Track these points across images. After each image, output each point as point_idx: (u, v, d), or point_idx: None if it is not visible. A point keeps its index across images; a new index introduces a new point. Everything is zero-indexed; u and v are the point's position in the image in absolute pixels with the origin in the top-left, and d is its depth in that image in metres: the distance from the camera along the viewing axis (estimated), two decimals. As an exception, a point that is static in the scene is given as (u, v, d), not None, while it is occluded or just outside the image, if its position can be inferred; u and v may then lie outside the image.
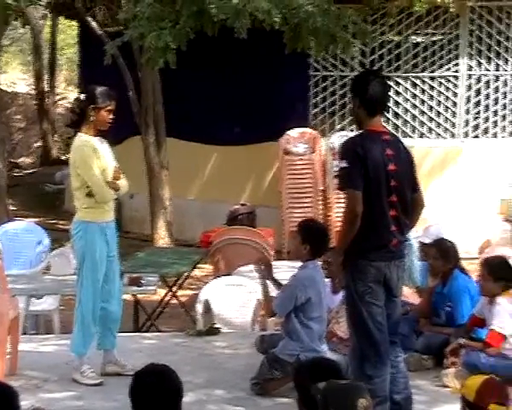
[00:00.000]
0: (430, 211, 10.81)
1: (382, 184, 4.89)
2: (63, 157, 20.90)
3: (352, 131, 12.84)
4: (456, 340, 6.01)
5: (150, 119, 12.01)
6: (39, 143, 21.24)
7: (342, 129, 12.90)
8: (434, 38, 12.67)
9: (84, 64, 16.64)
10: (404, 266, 5.16)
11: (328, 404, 3.23)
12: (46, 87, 21.00)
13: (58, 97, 22.81)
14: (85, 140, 5.97)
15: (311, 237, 5.77)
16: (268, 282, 5.98)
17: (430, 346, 6.23)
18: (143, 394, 3.39)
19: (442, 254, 6.36)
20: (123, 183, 6.10)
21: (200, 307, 7.32)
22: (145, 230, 13.30)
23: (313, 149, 12.61)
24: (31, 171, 19.80)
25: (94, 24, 12.45)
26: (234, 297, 7.41)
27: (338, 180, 4.99)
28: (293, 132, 12.61)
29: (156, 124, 12.09)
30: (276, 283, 6.00)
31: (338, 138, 12.64)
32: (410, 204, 5.03)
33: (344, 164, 4.86)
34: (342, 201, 12.25)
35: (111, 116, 6.03)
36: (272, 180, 12.97)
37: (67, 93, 24.63)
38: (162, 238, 11.99)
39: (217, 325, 7.17)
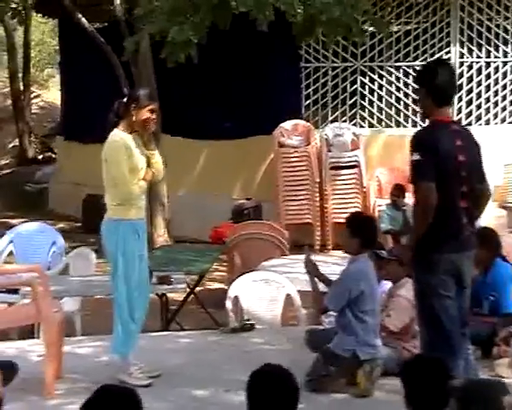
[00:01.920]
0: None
1: (453, 176, 4.86)
2: (40, 157, 20.65)
3: (344, 121, 12.87)
4: (503, 329, 5.98)
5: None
6: (14, 143, 20.90)
7: (335, 120, 12.86)
8: (425, 26, 12.68)
9: (65, 62, 16.39)
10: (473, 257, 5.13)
11: (471, 402, 3.15)
12: (21, 86, 20.66)
13: (32, 95, 22.45)
14: (119, 136, 5.87)
15: (360, 230, 5.72)
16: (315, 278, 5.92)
17: (476, 336, 6.17)
18: (262, 394, 3.32)
19: (484, 242, 6.31)
20: (157, 164, 5.99)
21: (229, 304, 7.21)
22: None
23: (307, 141, 12.55)
24: (8, 171, 19.47)
25: (84, 20, 12.23)
26: (262, 293, 7.33)
27: (410, 173, 4.92)
28: (287, 125, 12.54)
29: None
30: (323, 278, 5.94)
31: (331, 130, 12.65)
32: (478, 195, 5.01)
33: (416, 156, 4.81)
34: (338, 192, 12.44)
35: (154, 116, 5.91)
36: (266, 173, 12.88)
37: (37, 92, 24.28)
38: (161, 236, 11.84)
39: (250, 322, 7.07)
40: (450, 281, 4.87)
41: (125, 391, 3.12)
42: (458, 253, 4.87)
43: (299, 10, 7.55)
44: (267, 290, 7.32)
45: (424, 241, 4.79)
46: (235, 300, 7.23)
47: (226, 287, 9.41)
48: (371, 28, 10.76)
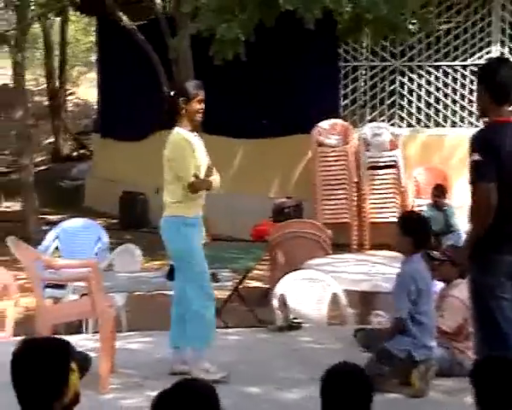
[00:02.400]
0: (463, 201, 10.86)
1: None
2: (74, 154, 20.78)
3: (383, 121, 12.81)
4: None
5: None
6: (49, 140, 21.04)
7: (373, 120, 12.83)
8: (466, 25, 12.59)
9: (102, 60, 16.46)
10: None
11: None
12: (57, 84, 20.79)
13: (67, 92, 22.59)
14: (181, 134, 5.90)
15: (413, 230, 5.69)
16: None
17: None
18: (339, 392, 3.32)
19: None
20: (216, 180, 6.00)
21: (275, 302, 7.22)
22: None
23: (345, 140, 12.53)
24: (43, 168, 19.59)
25: (125, 18, 12.27)
26: (309, 291, 7.32)
27: (470, 173, 4.88)
28: (325, 124, 12.52)
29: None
30: None
31: (370, 129, 12.61)
32: None
33: (476, 157, 4.76)
34: (376, 192, 12.40)
35: (202, 106, 5.93)
36: (303, 172, 12.86)
37: (70, 89, 24.42)
38: (199, 233, 11.81)
39: (297, 320, 7.07)
40: (508, 283, 4.84)
41: (204, 387, 3.11)
42: None
43: (347, 8, 7.53)
44: (313, 289, 7.31)
45: (483, 241, 4.75)
46: (281, 298, 7.23)
47: (267, 285, 9.44)
48: (412, 27, 10.71)
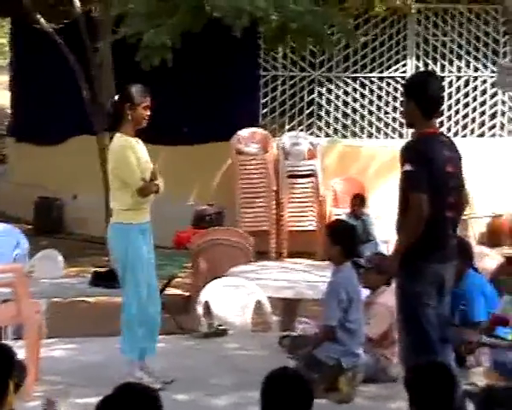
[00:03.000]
0: (379, 211, 11.06)
1: (442, 187, 4.93)
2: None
3: (301, 131, 12.94)
4: (473, 338, 6.09)
5: (105, 119, 11.74)
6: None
7: (292, 129, 12.94)
8: (382, 39, 12.84)
9: (16, 62, 16.14)
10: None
11: (495, 406, 3.19)
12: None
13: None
14: (124, 140, 5.86)
15: (342, 238, 5.77)
16: None
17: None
18: (278, 397, 3.34)
19: (459, 253, 6.39)
20: (160, 183, 5.97)
21: (200, 309, 7.22)
22: (89, 231, 13.10)
23: (265, 149, 12.61)
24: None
25: (42, 20, 12.07)
26: (233, 298, 7.35)
27: (401, 183, 4.97)
28: (244, 132, 12.58)
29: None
30: None
31: (289, 139, 12.73)
32: (462, 205, 5.12)
33: (408, 167, 4.86)
34: (295, 201, 12.51)
35: (148, 112, 5.92)
36: (223, 180, 12.89)
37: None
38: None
39: (222, 327, 7.08)
40: (433, 290, 4.97)
41: (147, 390, 3.10)
42: (444, 263, 4.99)
43: (273, 17, 7.60)
44: (237, 296, 7.35)
45: (412, 250, 4.86)
46: (206, 305, 7.24)
47: (187, 293, 9.43)
48: (336, 38, 10.88)
